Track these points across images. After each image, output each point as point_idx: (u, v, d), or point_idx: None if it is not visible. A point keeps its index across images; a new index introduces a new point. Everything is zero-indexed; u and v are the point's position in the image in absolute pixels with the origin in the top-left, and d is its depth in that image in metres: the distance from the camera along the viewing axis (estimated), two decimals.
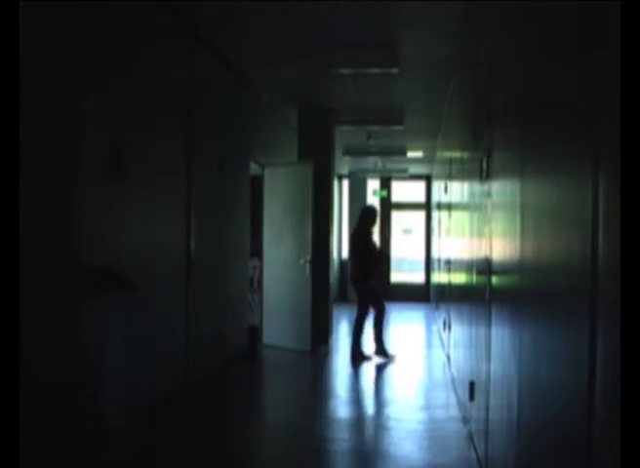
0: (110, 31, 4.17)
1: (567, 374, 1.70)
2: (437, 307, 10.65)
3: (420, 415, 5.09)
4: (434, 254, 12.16)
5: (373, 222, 7.76)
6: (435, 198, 12.03)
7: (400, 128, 9.22)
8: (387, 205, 14.90)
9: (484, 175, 3.61)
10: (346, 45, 6.03)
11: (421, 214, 14.91)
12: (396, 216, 15.22)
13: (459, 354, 5.60)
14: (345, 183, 15.26)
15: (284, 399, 5.77)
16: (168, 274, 5.23)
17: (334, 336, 9.10)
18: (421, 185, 14.91)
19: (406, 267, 15.67)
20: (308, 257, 7.81)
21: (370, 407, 5.43)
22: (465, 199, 5.04)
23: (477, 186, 3.99)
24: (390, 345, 7.77)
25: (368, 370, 7.01)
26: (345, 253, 14.97)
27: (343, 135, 9.69)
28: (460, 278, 5.61)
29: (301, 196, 7.93)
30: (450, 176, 7.18)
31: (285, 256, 8.10)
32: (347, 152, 11.58)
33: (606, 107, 1.38)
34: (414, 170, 13.82)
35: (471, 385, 4.14)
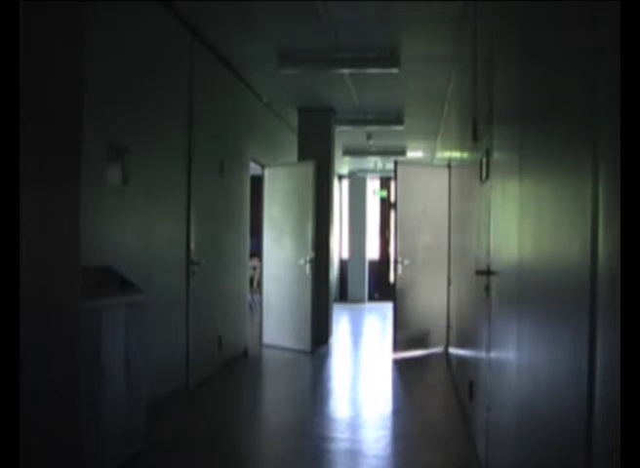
0: (110, 31, 4.17)
1: (566, 374, 1.70)
2: None
3: (421, 415, 5.09)
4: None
5: None
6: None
7: (400, 128, 9.22)
8: (387, 205, 14.89)
9: (483, 175, 3.60)
10: (346, 45, 6.03)
11: None
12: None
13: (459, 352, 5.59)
14: (345, 183, 15.26)
15: (284, 399, 5.77)
16: (168, 274, 5.23)
17: (334, 336, 9.09)
18: None
19: None
20: (308, 257, 7.81)
21: (370, 406, 5.43)
22: (468, 199, 5.04)
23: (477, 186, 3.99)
24: None
25: (368, 371, 7.01)
26: (345, 254, 14.97)
27: (343, 135, 9.69)
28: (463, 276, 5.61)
29: (301, 196, 7.93)
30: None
31: (285, 256, 8.09)
32: (347, 152, 11.57)
33: (606, 107, 1.37)
34: None
35: (470, 385, 4.14)
